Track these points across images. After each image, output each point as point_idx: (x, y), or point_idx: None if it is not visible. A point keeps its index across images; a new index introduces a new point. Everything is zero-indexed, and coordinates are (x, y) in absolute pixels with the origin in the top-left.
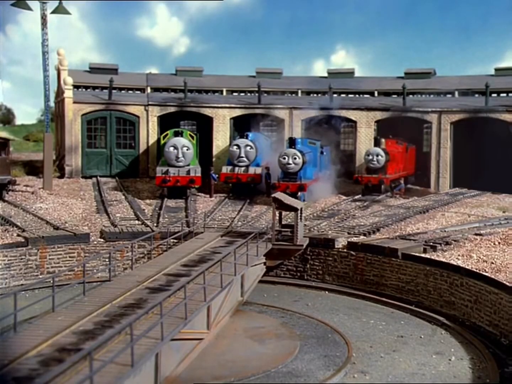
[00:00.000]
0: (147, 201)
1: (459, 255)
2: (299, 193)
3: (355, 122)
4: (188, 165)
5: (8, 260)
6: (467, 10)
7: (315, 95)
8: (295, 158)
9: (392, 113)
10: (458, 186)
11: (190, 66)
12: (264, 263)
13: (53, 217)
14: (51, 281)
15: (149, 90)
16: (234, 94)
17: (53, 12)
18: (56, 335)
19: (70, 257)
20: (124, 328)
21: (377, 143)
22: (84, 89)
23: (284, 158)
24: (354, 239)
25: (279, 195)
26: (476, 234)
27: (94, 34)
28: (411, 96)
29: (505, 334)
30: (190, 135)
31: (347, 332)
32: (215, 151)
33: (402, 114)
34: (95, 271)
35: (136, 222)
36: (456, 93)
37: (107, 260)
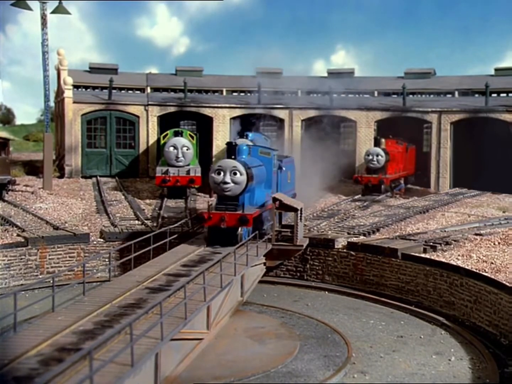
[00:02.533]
0: (147, 201)
1: (459, 255)
2: (240, 229)
3: (355, 122)
4: (188, 165)
5: (8, 260)
6: (467, 10)
7: (315, 95)
8: (235, 174)
9: (392, 113)
10: (458, 186)
11: (190, 66)
12: (264, 264)
13: (53, 217)
14: (51, 281)
15: (149, 90)
16: (234, 94)
17: (53, 12)
18: (56, 335)
19: (70, 257)
20: (124, 328)
21: (377, 143)
22: (84, 89)
23: (219, 174)
24: (354, 239)
25: (279, 195)
26: (476, 234)
27: (94, 34)
28: (411, 96)
29: (505, 334)
30: (190, 135)
31: (347, 332)
32: (215, 151)
33: (402, 114)
34: (95, 271)
35: (136, 222)
36: (456, 93)
37: (107, 260)
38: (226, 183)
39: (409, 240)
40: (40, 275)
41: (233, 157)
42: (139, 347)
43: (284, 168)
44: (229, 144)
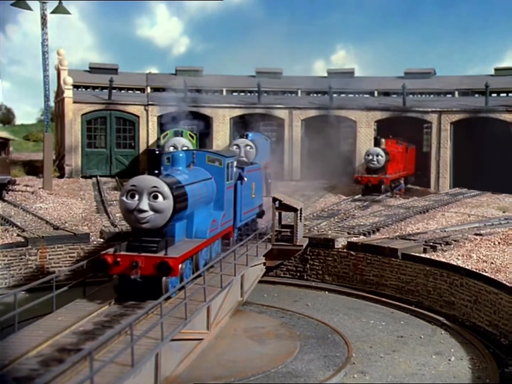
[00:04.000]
0: None
1: (459, 255)
2: (164, 279)
3: (355, 122)
4: None
5: (8, 260)
6: (467, 9)
7: (315, 95)
8: (155, 197)
9: (392, 113)
10: (458, 186)
11: (190, 66)
12: (264, 263)
13: (53, 217)
14: (52, 281)
15: (149, 90)
16: (234, 94)
17: (53, 12)
18: (56, 335)
19: (70, 257)
20: (124, 328)
21: (377, 143)
22: (84, 89)
23: (132, 197)
24: (354, 239)
25: (278, 195)
26: (476, 234)
27: (94, 34)
28: (411, 96)
29: (505, 334)
30: (190, 135)
31: (347, 332)
32: None
33: (402, 114)
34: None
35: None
36: (456, 93)
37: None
38: (141, 211)
39: (409, 240)
40: (40, 275)
41: (156, 171)
42: (139, 347)
43: (246, 179)
44: (150, 152)
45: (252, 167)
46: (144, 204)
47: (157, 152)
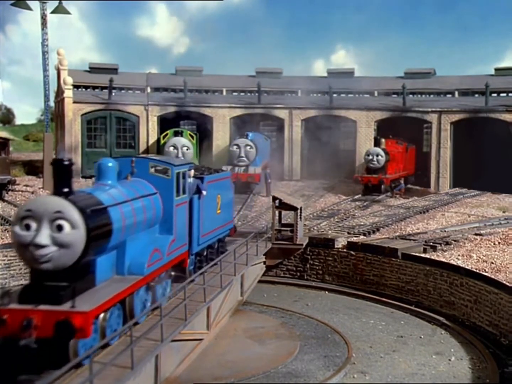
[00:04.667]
0: None
1: (459, 255)
2: (72, 342)
3: (355, 122)
4: None
5: (8, 260)
6: (468, 10)
7: (315, 95)
8: (59, 228)
9: (392, 113)
10: (458, 186)
11: (190, 66)
12: (264, 262)
13: None
14: None
15: (149, 90)
16: (234, 94)
17: (53, 12)
18: None
19: None
20: (124, 330)
21: (377, 143)
22: (84, 89)
23: (28, 228)
24: (354, 239)
25: (278, 194)
26: (476, 234)
27: (94, 34)
28: (411, 96)
29: (505, 334)
30: (190, 135)
31: (347, 332)
32: (215, 151)
33: (402, 114)
34: None
35: None
36: (456, 93)
37: None
38: (39, 246)
39: (409, 240)
40: None
41: (66, 189)
42: (139, 349)
43: (205, 192)
44: (55, 162)
45: (216, 176)
46: (43, 237)
47: (66, 163)
